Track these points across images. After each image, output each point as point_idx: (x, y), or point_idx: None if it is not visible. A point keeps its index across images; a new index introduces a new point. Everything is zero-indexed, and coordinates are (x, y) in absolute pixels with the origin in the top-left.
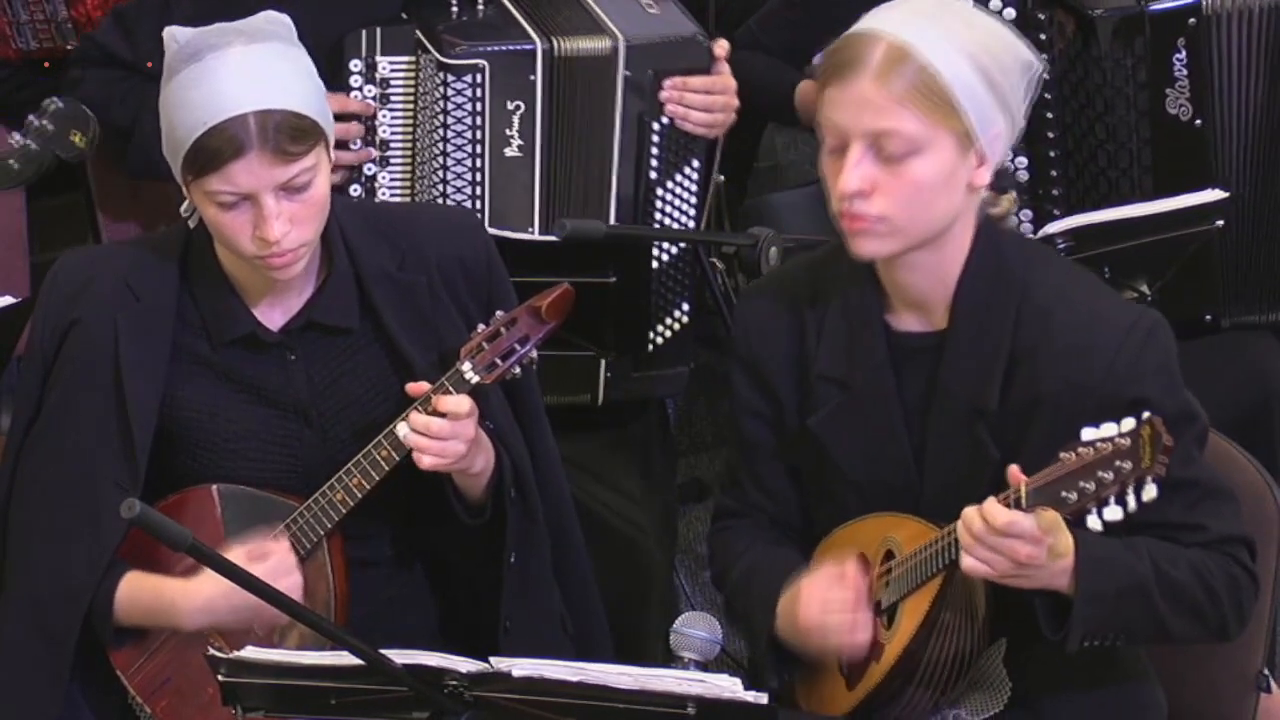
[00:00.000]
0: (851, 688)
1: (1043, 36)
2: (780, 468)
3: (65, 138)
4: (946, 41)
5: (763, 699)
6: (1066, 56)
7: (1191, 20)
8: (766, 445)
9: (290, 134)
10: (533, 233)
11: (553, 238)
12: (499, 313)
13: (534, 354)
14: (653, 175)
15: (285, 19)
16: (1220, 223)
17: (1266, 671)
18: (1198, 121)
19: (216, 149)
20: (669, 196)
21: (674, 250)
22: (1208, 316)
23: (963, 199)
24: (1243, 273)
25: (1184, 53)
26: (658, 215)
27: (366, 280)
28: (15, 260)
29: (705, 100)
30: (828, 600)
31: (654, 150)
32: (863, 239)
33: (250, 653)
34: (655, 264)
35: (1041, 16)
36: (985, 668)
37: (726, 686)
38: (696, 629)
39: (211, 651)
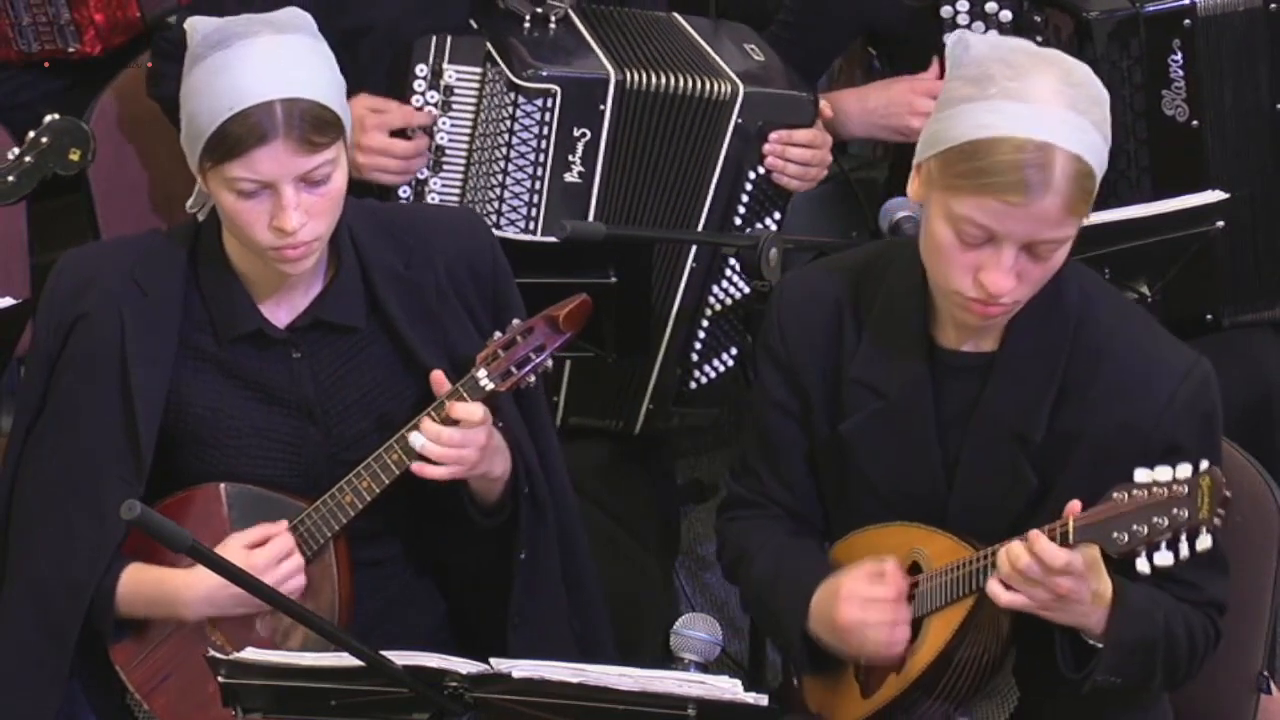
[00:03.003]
0: (867, 696)
1: (1039, 39)
2: (801, 463)
3: (63, 154)
4: (1094, 129)
5: (763, 700)
6: None
7: (1187, 21)
8: (791, 441)
9: (315, 124)
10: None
11: (553, 239)
12: (515, 321)
13: (549, 363)
14: (737, 221)
15: (307, 16)
16: (1221, 224)
17: (1266, 673)
18: (1194, 122)
19: (241, 135)
20: None
21: (736, 296)
22: (1208, 315)
23: None
24: (1242, 271)
25: (1180, 54)
26: (731, 261)
27: (374, 278)
28: (15, 261)
29: (805, 155)
30: (869, 598)
31: (744, 198)
32: (983, 317)
33: (250, 654)
34: (718, 305)
35: (1038, 19)
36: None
37: (727, 688)
38: (697, 630)
39: (212, 653)
